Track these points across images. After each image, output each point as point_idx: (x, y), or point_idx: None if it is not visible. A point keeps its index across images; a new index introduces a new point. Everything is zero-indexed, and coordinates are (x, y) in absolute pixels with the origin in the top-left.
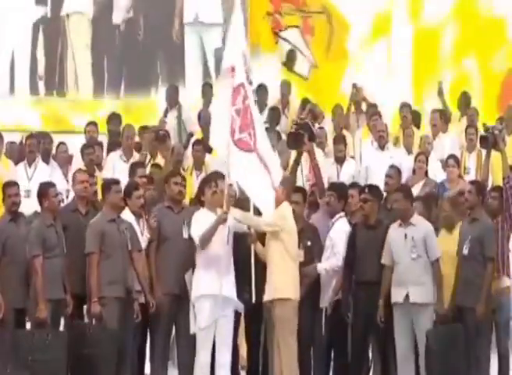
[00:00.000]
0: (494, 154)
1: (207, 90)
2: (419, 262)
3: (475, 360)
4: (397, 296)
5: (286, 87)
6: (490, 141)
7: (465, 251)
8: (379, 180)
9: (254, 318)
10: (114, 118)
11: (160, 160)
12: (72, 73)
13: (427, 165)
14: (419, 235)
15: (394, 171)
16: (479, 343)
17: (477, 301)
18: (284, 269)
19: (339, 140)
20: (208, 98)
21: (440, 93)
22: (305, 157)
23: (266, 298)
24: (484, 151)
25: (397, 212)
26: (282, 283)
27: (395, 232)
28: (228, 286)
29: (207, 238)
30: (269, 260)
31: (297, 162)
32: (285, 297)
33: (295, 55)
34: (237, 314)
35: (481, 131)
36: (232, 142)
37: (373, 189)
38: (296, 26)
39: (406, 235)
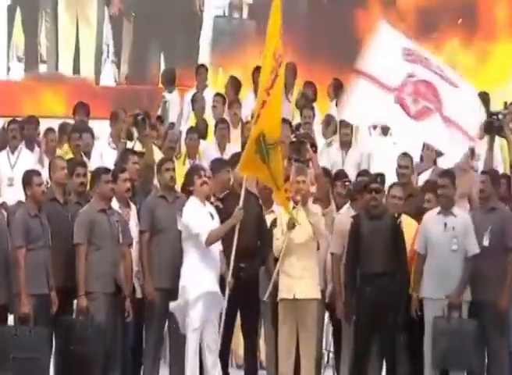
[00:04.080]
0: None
1: (201, 72)
2: (458, 256)
3: (493, 357)
4: (437, 292)
5: (290, 70)
6: (495, 127)
7: (485, 242)
8: (382, 167)
9: (252, 315)
10: (80, 108)
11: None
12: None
13: (436, 153)
14: (460, 226)
15: (409, 160)
16: (497, 339)
17: (498, 296)
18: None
19: (346, 123)
20: (203, 81)
21: None
22: None
23: (309, 295)
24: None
25: (442, 198)
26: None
27: (433, 220)
28: (216, 281)
29: (218, 237)
30: (309, 257)
31: None
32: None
33: None
34: (233, 311)
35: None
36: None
37: (383, 178)
38: None
39: (446, 224)
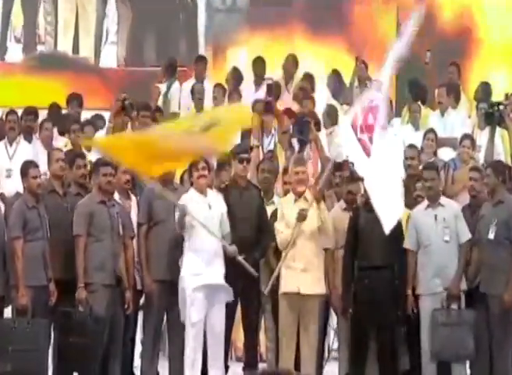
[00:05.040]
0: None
1: (200, 62)
2: (452, 246)
3: (497, 350)
4: (434, 286)
5: (290, 61)
6: (496, 118)
7: (491, 235)
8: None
9: (252, 307)
10: (73, 99)
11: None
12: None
13: (436, 143)
14: (450, 216)
15: (415, 151)
16: (502, 333)
17: (503, 289)
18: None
19: None
20: (201, 72)
21: (427, 63)
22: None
23: (314, 290)
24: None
25: (430, 191)
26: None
27: (422, 214)
28: (218, 273)
29: (180, 223)
30: (314, 252)
31: (303, 150)
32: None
33: None
34: (233, 304)
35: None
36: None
37: None
38: None
39: (436, 216)
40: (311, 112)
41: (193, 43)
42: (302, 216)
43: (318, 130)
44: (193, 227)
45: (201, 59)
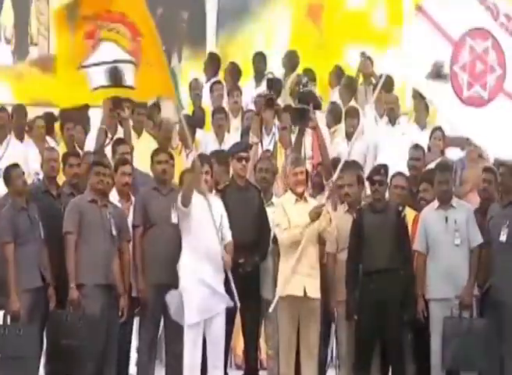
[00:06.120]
0: None
1: (213, 61)
2: (463, 250)
3: (509, 358)
4: (444, 291)
5: (290, 57)
6: None
7: (502, 237)
8: (389, 158)
9: (252, 313)
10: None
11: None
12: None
13: (444, 142)
14: (462, 218)
15: (421, 152)
16: None
17: None
18: None
19: (352, 114)
20: (214, 72)
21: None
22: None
23: (318, 294)
24: None
25: (443, 194)
26: None
27: (432, 215)
28: (216, 275)
29: (187, 192)
30: (317, 256)
31: (300, 138)
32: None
33: None
34: (233, 310)
35: None
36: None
37: (387, 170)
38: None
39: (447, 218)
40: (309, 91)
41: (197, 41)
42: (317, 215)
43: (319, 108)
44: (189, 227)
45: (214, 56)
